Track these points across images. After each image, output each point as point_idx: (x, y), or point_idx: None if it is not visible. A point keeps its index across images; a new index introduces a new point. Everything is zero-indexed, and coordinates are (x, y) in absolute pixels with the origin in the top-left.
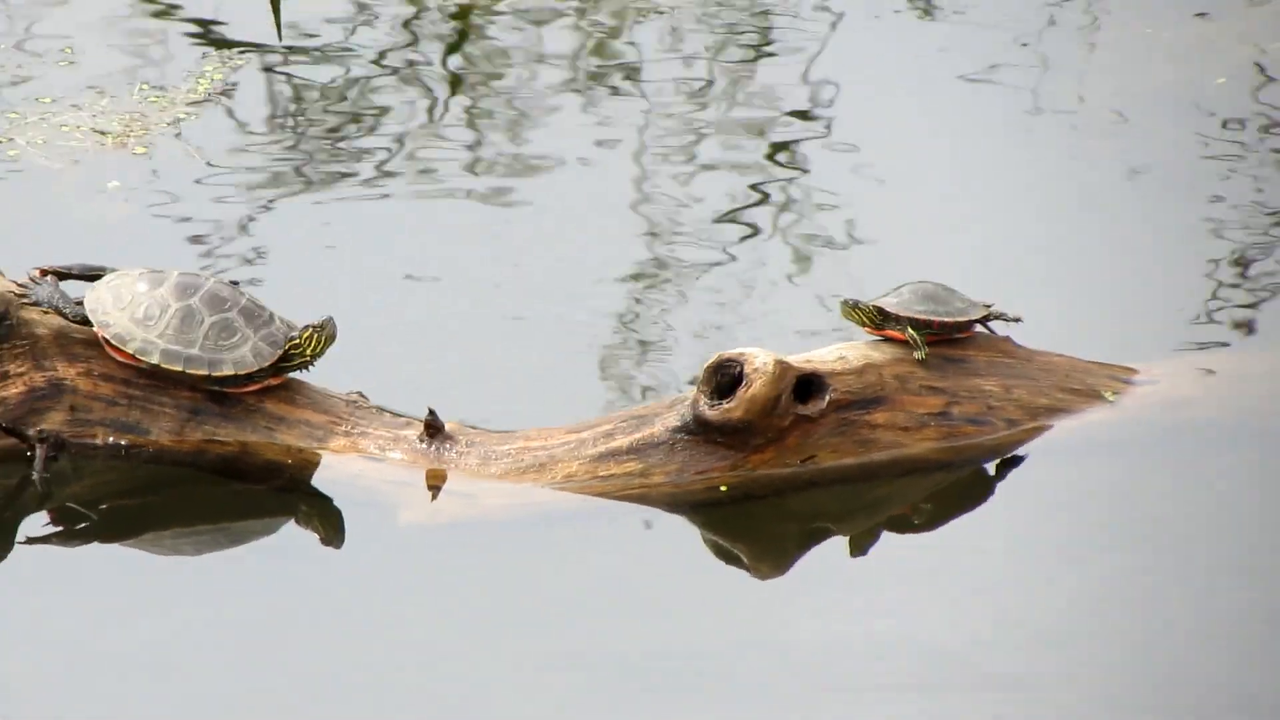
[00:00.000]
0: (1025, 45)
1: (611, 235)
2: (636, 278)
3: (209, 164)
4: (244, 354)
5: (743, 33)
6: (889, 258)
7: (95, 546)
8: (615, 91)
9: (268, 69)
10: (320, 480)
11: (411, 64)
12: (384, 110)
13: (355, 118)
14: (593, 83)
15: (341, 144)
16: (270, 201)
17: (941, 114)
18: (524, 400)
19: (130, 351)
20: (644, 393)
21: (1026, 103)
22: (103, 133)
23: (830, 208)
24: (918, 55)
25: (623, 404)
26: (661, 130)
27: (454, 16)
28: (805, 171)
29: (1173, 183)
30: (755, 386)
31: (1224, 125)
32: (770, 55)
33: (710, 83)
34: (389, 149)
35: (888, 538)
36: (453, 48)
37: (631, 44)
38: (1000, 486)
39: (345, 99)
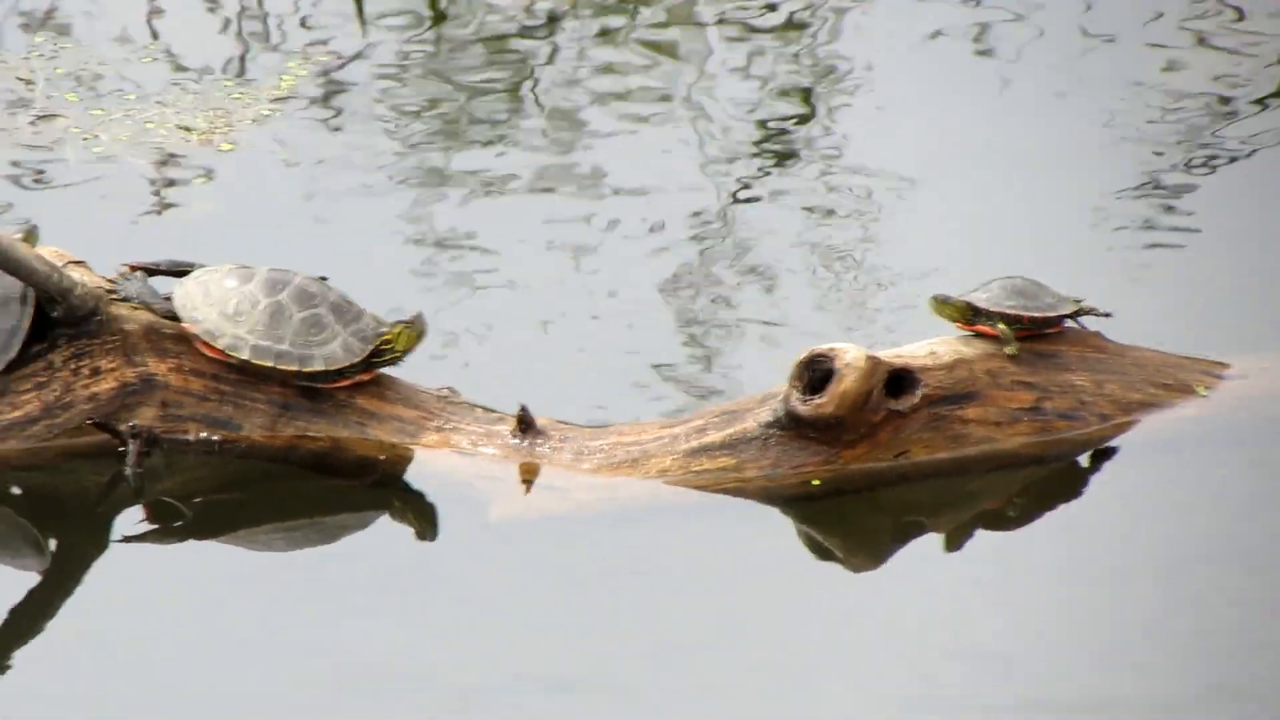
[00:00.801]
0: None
1: (685, 235)
2: (713, 276)
3: (293, 161)
4: (334, 349)
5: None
6: (969, 255)
7: (190, 542)
8: (667, 98)
9: (347, 64)
10: (412, 475)
11: (489, 66)
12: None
13: (442, 115)
14: (648, 90)
15: (426, 140)
16: (355, 197)
17: (999, 106)
18: (607, 398)
19: (220, 347)
20: (725, 389)
21: (1096, 98)
22: (188, 129)
23: (903, 202)
24: (963, 47)
25: (703, 402)
26: (728, 138)
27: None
28: (868, 171)
29: (1259, 175)
30: (847, 382)
31: None
32: (814, 58)
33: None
34: (478, 146)
35: (981, 533)
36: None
37: (682, 57)
38: (1094, 481)
39: (428, 98)
